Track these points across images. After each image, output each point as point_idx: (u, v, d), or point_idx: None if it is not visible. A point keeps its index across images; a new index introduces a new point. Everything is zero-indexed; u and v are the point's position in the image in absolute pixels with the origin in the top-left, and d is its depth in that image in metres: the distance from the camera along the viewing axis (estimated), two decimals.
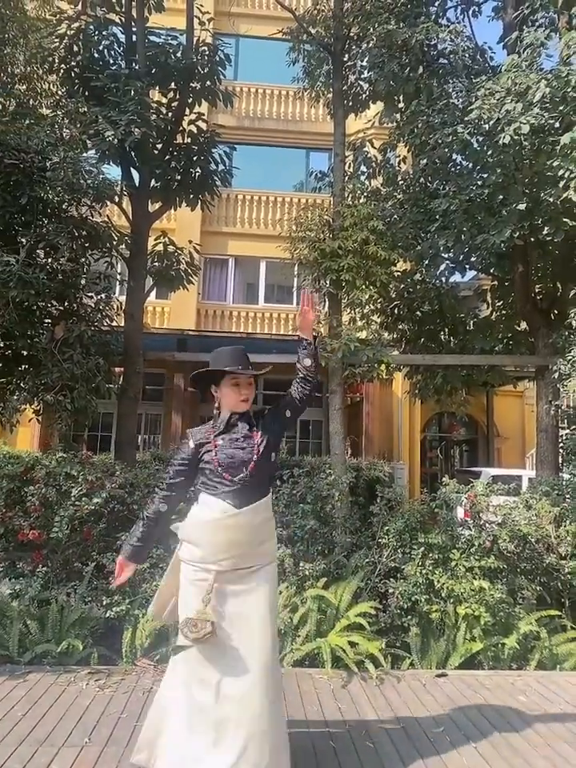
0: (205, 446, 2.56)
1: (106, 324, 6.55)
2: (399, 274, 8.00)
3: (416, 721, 3.31)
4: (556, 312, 7.26)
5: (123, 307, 7.01)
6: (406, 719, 3.33)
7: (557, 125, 5.68)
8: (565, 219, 5.95)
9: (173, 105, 7.41)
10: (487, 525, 4.76)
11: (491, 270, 7.97)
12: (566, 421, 7.22)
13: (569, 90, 5.45)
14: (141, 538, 2.62)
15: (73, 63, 7.07)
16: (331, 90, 7.93)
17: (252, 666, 2.37)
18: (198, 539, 2.50)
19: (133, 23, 7.24)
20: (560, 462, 6.99)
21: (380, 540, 4.69)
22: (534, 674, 4.09)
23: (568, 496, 5.24)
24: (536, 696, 3.72)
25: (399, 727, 3.23)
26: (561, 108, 5.57)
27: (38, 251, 5.69)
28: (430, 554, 4.38)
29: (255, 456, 2.51)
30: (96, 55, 7.20)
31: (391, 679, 3.87)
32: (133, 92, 6.32)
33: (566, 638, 4.32)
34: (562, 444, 7.02)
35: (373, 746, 3.02)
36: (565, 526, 4.72)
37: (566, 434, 7.00)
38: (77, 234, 6.09)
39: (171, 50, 7.21)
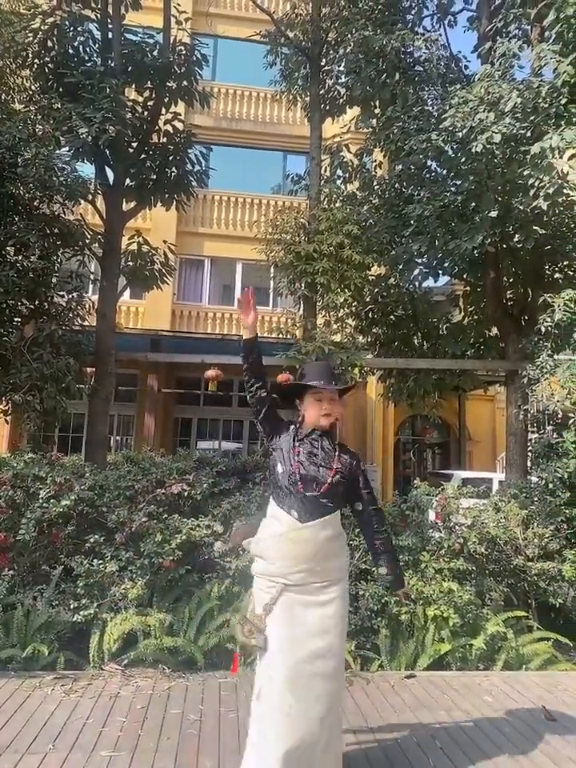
0: (291, 451, 2.53)
1: (77, 323, 6.46)
2: (373, 278, 8.08)
3: (385, 723, 3.33)
4: (526, 318, 7.40)
5: (95, 306, 6.92)
6: (375, 721, 3.34)
7: (528, 134, 5.80)
8: (535, 227, 6.08)
9: (149, 103, 7.35)
10: (457, 527, 4.81)
11: (464, 276, 8.09)
12: (535, 425, 7.36)
13: (539, 100, 5.57)
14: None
15: (47, 58, 6.96)
16: (308, 93, 7.98)
17: (327, 679, 2.37)
18: (265, 552, 2.50)
19: (109, 20, 7.17)
20: (529, 465, 7.12)
21: (351, 542, 4.70)
22: (500, 674, 4.15)
23: (536, 498, 5.34)
24: (502, 696, 3.78)
25: (367, 728, 3.25)
26: (532, 118, 5.69)
27: (8, 248, 5.59)
28: (401, 557, 4.41)
29: (331, 478, 2.48)
30: (71, 51, 7.10)
31: (360, 681, 3.89)
32: (108, 89, 6.25)
33: (532, 638, 4.39)
34: (530, 447, 7.15)
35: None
36: (532, 529, 4.80)
37: (535, 438, 7.13)
38: (48, 232, 6.00)
39: (148, 49, 7.14)
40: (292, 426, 2.61)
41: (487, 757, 3.00)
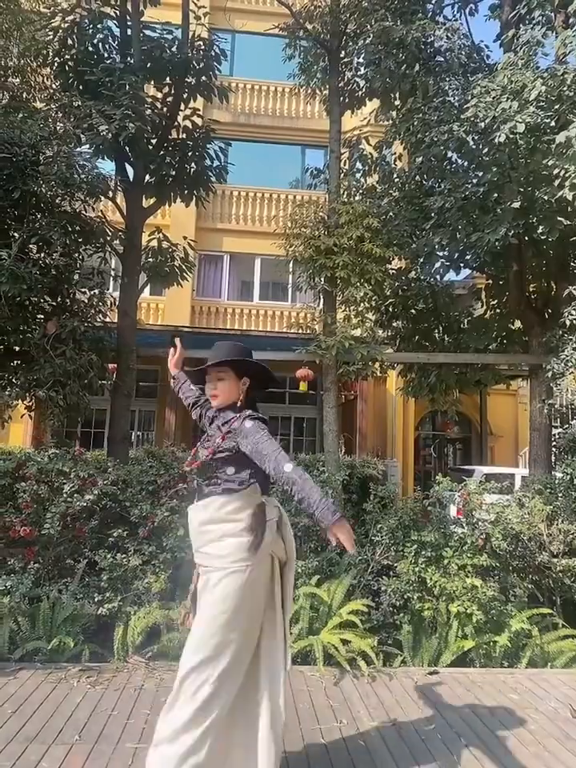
0: (204, 419, 2.75)
1: (99, 320, 6.50)
2: (394, 271, 8.00)
3: (408, 719, 3.32)
4: (550, 311, 7.28)
5: (116, 303, 6.96)
6: (398, 717, 3.33)
7: (552, 123, 5.69)
8: (559, 218, 5.96)
9: (168, 100, 7.35)
10: (480, 523, 4.77)
11: (486, 269, 7.98)
12: (558, 420, 7.25)
13: (564, 88, 5.46)
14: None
15: (67, 57, 6.99)
16: (327, 86, 7.91)
17: (182, 666, 2.38)
18: None
19: (128, 17, 7.18)
20: (553, 460, 7.02)
21: (373, 537, 4.69)
22: (525, 671, 4.10)
23: (560, 494, 5.26)
24: (527, 694, 3.73)
25: (391, 725, 3.23)
26: (556, 106, 5.58)
27: (30, 246, 5.63)
28: (423, 552, 4.38)
29: (206, 454, 2.42)
30: (90, 49, 7.12)
31: (383, 677, 3.87)
32: (127, 86, 6.27)
33: (558, 635, 4.34)
34: (554, 443, 7.05)
35: (364, 744, 3.02)
36: (557, 524, 4.74)
37: (559, 433, 7.03)
38: (70, 229, 6.04)
39: (166, 45, 7.14)
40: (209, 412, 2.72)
41: (512, 755, 2.97)
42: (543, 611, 4.42)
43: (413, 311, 8.21)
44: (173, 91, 7.33)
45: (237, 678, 2.38)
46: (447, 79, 7.11)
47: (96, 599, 4.13)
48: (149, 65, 7.12)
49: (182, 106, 7.37)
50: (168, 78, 7.33)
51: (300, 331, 7.04)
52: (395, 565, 4.44)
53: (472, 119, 5.77)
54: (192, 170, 7.34)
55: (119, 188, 7.10)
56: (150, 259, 7.42)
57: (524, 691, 3.77)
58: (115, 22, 7.31)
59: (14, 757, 2.76)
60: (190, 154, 7.32)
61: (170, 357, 3.01)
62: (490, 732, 3.20)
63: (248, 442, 2.32)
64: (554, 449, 7.08)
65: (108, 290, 6.90)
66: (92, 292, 6.45)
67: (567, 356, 6.07)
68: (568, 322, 6.08)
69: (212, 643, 2.32)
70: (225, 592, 2.33)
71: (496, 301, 8.27)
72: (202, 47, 7.29)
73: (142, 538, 4.42)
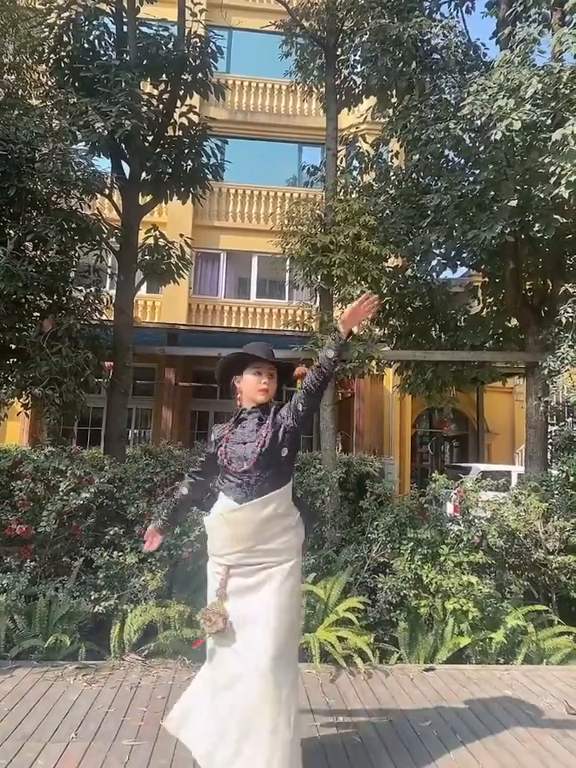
0: (219, 442, 2.59)
1: (95, 318, 6.49)
2: (391, 269, 7.99)
3: (404, 715, 3.33)
4: (546, 309, 7.29)
5: (113, 301, 6.95)
6: (394, 713, 3.34)
7: (548, 121, 5.69)
8: (556, 216, 5.97)
9: (164, 97, 7.34)
10: (476, 520, 4.78)
11: (482, 267, 7.98)
12: (554, 417, 7.27)
13: (560, 86, 5.45)
14: (167, 514, 2.78)
15: (63, 53, 6.98)
16: (324, 84, 7.90)
17: (249, 672, 2.29)
18: (211, 532, 2.56)
19: (124, 13, 7.15)
20: (549, 457, 7.04)
21: (369, 535, 4.70)
22: (520, 668, 4.11)
23: (556, 492, 5.28)
24: (523, 690, 3.75)
25: (387, 721, 3.24)
26: (552, 104, 5.58)
27: (26, 243, 5.62)
28: (419, 550, 4.39)
29: (258, 449, 2.44)
30: (86, 46, 7.11)
31: (379, 674, 3.89)
32: (123, 83, 6.25)
33: (553, 632, 4.35)
34: (550, 440, 7.07)
35: (360, 740, 3.03)
36: (553, 522, 4.75)
37: (555, 430, 7.04)
38: (66, 227, 6.02)
39: (162, 42, 7.13)
40: (212, 442, 2.66)
41: (508, 750, 2.98)
42: (539, 608, 4.43)
43: (409, 309, 8.21)
44: (169, 88, 7.32)
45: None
46: (444, 77, 7.11)
47: (92, 597, 4.13)
48: (145, 62, 7.11)
49: (178, 103, 7.36)
50: (164, 75, 7.32)
51: (297, 329, 7.04)
52: (392, 562, 4.45)
53: (468, 117, 5.76)
54: (188, 167, 7.34)
55: (115, 185, 7.09)
56: (147, 257, 7.41)
57: (520, 688, 3.79)
58: (111, 18, 7.29)
59: (10, 754, 2.76)
60: (186, 151, 7.32)
61: (359, 309, 2.48)
62: (486, 728, 3.21)
63: (285, 411, 2.54)
64: (550, 446, 7.09)
65: (104, 287, 6.90)
66: (88, 290, 6.44)
67: (563, 353, 6.08)
68: (564, 320, 6.09)
69: (294, 634, 2.46)
70: (295, 582, 2.47)
71: (492, 298, 8.28)
72: (198, 44, 7.28)
73: (138, 535, 4.41)
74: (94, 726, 3.07)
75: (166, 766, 2.73)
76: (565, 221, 6.11)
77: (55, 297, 6.10)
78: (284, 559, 2.44)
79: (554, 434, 7.09)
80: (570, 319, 6.00)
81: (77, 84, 6.78)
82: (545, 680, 3.92)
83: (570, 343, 6.19)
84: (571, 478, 5.36)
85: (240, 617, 2.36)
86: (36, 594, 4.11)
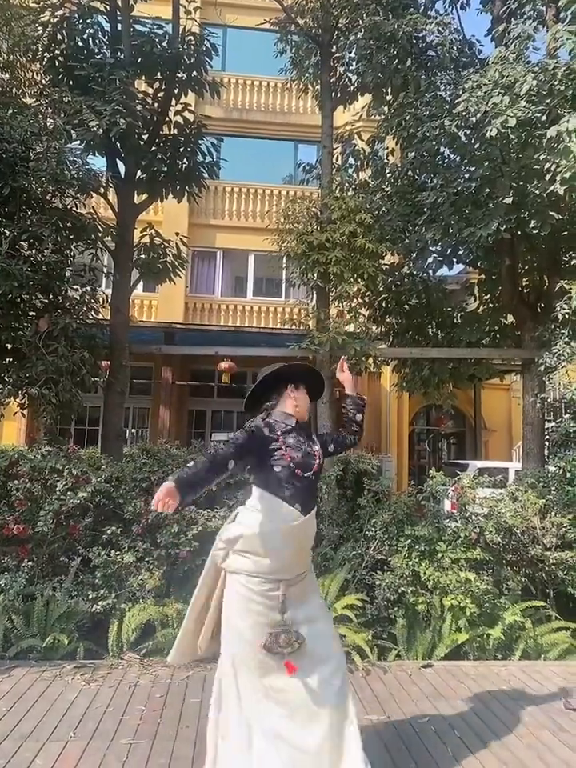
0: (272, 442, 2.40)
1: (91, 317, 6.47)
2: (387, 267, 8.01)
3: (402, 711, 3.34)
4: (542, 305, 7.30)
5: (109, 300, 6.94)
6: (392, 710, 3.35)
7: (544, 118, 5.70)
8: (551, 212, 5.98)
9: (159, 95, 7.31)
10: (473, 517, 4.79)
11: (478, 264, 8.00)
12: (551, 413, 7.28)
13: (555, 82, 5.46)
14: (197, 472, 2.15)
15: (57, 52, 6.95)
16: (319, 81, 7.90)
17: (335, 675, 2.37)
18: (268, 549, 2.33)
19: (118, 12, 7.13)
20: (546, 454, 7.05)
21: (367, 532, 4.70)
22: (518, 664, 4.12)
23: (553, 488, 5.29)
24: (521, 685, 3.76)
25: (385, 718, 3.25)
26: (547, 101, 5.58)
27: (21, 243, 5.61)
28: (417, 546, 4.40)
29: (318, 459, 2.52)
30: (80, 44, 7.08)
31: (377, 670, 3.89)
32: (118, 82, 6.24)
33: (551, 628, 4.36)
34: (547, 436, 7.08)
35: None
36: (550, 518, 4.76)
37: (552, 427, 7.06)
38: (61, 226, 6.01)
39: (157, 40, 7.10)
40: (260, 427, 2.43)
41: (506, 746, 2.99)
42: (536, 604, 4.44)
43: (406, 306, 8.22)
44: (164, 86, 7.29)
45: None
46: (439, 74, 7.12)
47: (90, 596, 4.12)
48: (139, 60, 7.08)
49: (173, 102, 7.34)
50: (159, 74, 7.29)
51: (293, 327, 7.04)
52: (389, 559, 4.45)
53: (463, 114, 5.77)
54: (184, 165, 7.31)
55: (110, 184, 7.06)
56: (143, 256, 7.39)
57: (517, 683, 3.80)
58: (105, 17, 7.26)
59: (8, 754, 2.76)
60: (181, 149, 7.29)
61: (344, 375, 2.92)
62: (484, 724, 3.22)
63: (329, 435, 2.79)
64: (547, 443, 7.11)
65: (100, 286, 6.88)
66: (84, 289, 6.43)
67: (559, 350, 6.10)
68: (560, 317, 6.11)
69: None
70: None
71: (489, 296, 8.29)
72: (193, 42, 7.25)
73: (136, 534, 4.41)
74: (93, 725, 3.07)
75: (164, 764, 2.73)
76: (560, 217, 6.12)
77: (51, 296, 6.09)
78: (311, 566, 2.59)
79: (550, 430, 7.11)
80: (566, 315, 6.01)
81: (71, 82, 6.76)
82: (542, 675, 3.93)
83: (567, 340, 6.21)
84: (568, 474, 5.37)
85: (304, 619, 2.36)
86: (34, 593, 4.10)
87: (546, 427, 7.17)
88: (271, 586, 2.32)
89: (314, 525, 2.52)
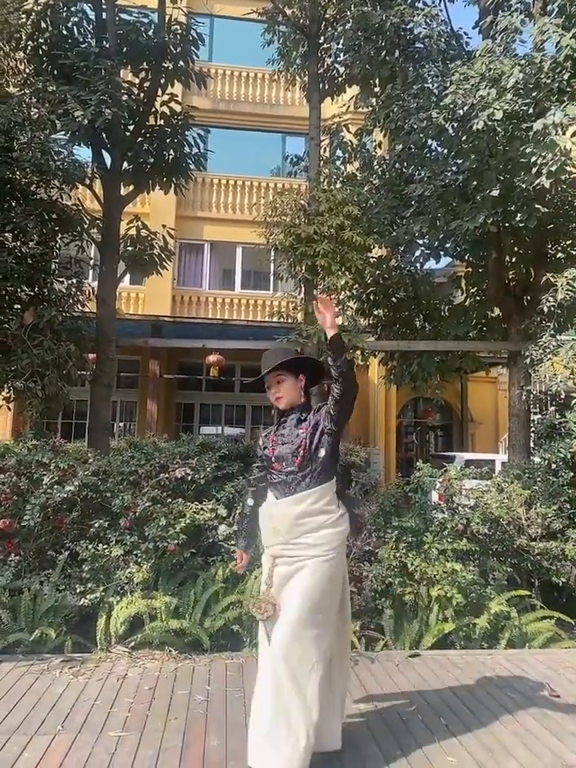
0: (266, 443, 2.78)
1: (77, 309, 6.43)
2: (375, 259, 8.01)
3: (389, 700, 3.37)
4: (528, 298, 7.35)
5: (95, 292, 6.89)
6: (380, 699, 3.38)
7: (530, 111, 5.71)
8: (537, 205, 6.02)
9: (145, 85, 7.25)
10: (460, 508, 4.83)
11: (465, 257, 8.03)
12: (537, 406, 7.35)
13: (542, 76, 5.48)
14: (245, 531, 2.93)
15: (41, 40, 6.85)
16: (307, 72, 7.86)
17: (272, 657, 2.48)
18: (260, 524, 2.75)
19: (102, 0, 7.04)
20: (531, 445, 7.12)
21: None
22: (504, 652, 4.18)
23: (538, 479, 5.34)
24: (506, 674, 3.80)
25: (373, 707, 3.28)
26: (534, 94, 5.60)
27: (5, 234, 5.55)
28: (404, 538, 4.43)
29: (301, 452, 2.60)
30: (65, 32, 6.99)
31: (365, 661, 3.92)
32: (103, 71, 6.17)
33: (536, 617, 4.42)
34: (533, 428, 7.14)
35: (346, 725, 3.05)
36: (535, 508, 4.81)
37: (538, 419, 7.12)
38: (46, 217, 5.95)
39: (143, 29, 7.03)
40: (261, 440, 2.87)
41: (492, 733, 3.03)
42: (521, 593, 4.50)
43: (393, 299, 8.24)
44: (150, 76, 7.22)
45: (326, 664, 2.55)
46: (426, 66, 7.11)
47: (78, 590, 4.10)
48: (125, 49, 7.01)
49: (160, 92, 7.27)
50: (145, 63, 7.22)
51: (281, 320, 7.04)
52: (377, 551, 4.48)
53: (451, 106, 5.77)
54: (171, 157, 7.26)
55: (96, 175, 7.00)
56: (129, 248, 7.34)
57: (503, 671, 3.84)
58: (90, 4, 7.17)
59: None
60: (168, 140, 7.24)
61: (322, 312, 2.57)
62: (470, 712, 3.26)
63: (323, 412, 2.64)
64: (532, 434, 7.17)
65: (86, 279, 6.83)
66: (70, 281, 6.38)
67: (545, 342, 6.15)
68: (546, 309, 6.14)
69: (313, 631, 2.48)
70: (328, 571, 2.54)
71: (475, 288, 8.33)
72: (179, 31, 7.19)
73: (123, 528, 4.40)
74: (81, 718, 3.06)
75: (153, 756, 2.73)
76: (546, 210, 6.16)
77: (36, 288, 6.03)
78: (320, 554, 2.54)
79: (536, 422, 7.17)
80: (552, 308, 6.05)
81: (55, 72, 6.68)
82: (527, 664, 3.99)
83: (552, 332, 6.26)
84: (553, 466, 5.43)
85: (280, 604, 2.54)
86: (21, 587, 4.08)
87: (531, 419, 7.24)
88: (265, 558, 2.68)
89: (290, 509, 2.58)
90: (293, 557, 2.56)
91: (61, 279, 6.37)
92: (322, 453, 2.61)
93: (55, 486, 4.40)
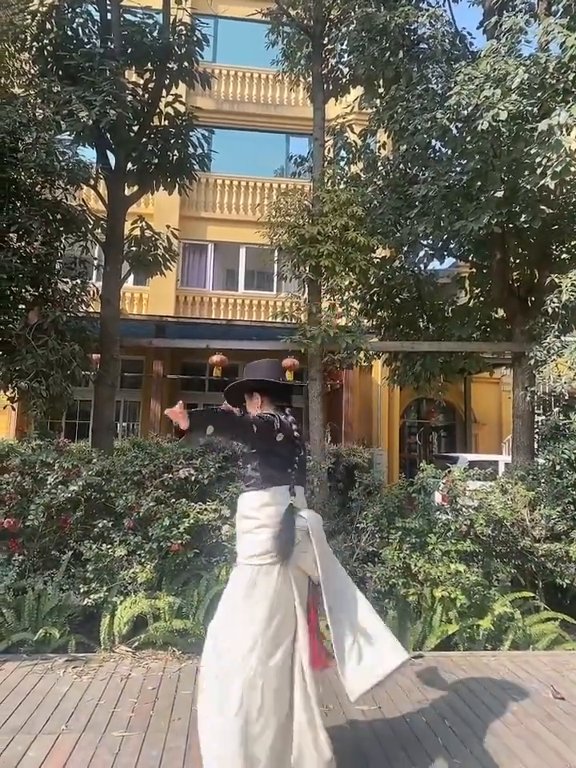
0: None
1: (81, 310, 6.43)
2: (378, 260, 8.00)
3: (392, 702, 3.36)
4: (533, 299, 7.33)
5: (99, 293, 6.89)
6: (384, 700, 3.37)
7: (535, 111, 5.70)
8: (542, 206, 6.00)
9: (149, 86, 7.24)
10: (464, 509, 4.82)
11: (469, 257, 8.00)
12: (541, 407, 7.32)
13: (547, 76, 5.46)
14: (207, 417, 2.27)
15: (46, 41, 6.85)
16: (311, 73, 7.85)
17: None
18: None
19: (107, 1, 7.05)
20: (535, 447, 7.10)
21: (358, 525, 4.73)
22: (507, 654, 4.17)
23: (542, 480, 5.33)
24: (510, 675, 3.80)
25: (376, 708, 3.28)
26: (539, 94, 5.58)
27: (10, 235, 5.55)
28: (408, 539, 4.43)
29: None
30: (70, 33, 6.99)
31: None
32: (108, 72, 6.16)
33: (539, 618, 4.41)
34: (537, 430, 7.12)
35: (349, 726, 3.06)
36: (539, 510, 4.80)
37: (542, 420, 7.10)
38: (51, 218, 5.95)
39: (147, 29, 7.03)
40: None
41: (496, 735, 3.03)
42: (525, 595, 4.49)
43: (397, 300, 8.22)
44: (154, 77, 7.22)
45: (246, 677, 2.29)
46: (431, 66, 7.08)
47: (81, 590, 4.12)
48: (129, 50, 7.01)
49: (164, 93, 7.27)
50: (149, 64, 7.21)
51: (285, 321, 7.03)
52: (380, 551, 4.48)
53: (455, 107, 5.75)
54: (175, 157, 7.26)
55: (100, 176, 7.00)
56: (133, 248, 7.34)
57: (507, 673, 3.84)
58: (95, 5, 7.17)
59: (1, 747, 2.76)
60: (172, 141, 7.23)
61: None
62: (474, 713, 3.26)
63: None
64: (536, 436, 7.15)
65: (90, 279, 6.83)
66: (74, 281, 6.38)
67: (549, 343, 6.13)
68: (550, 310, 6.12)
69: (223, 634, 2.39)
70: (234, 585, 2.45)
71: (479, 289, 8.30)
72: (184, 32, 7.18)
73: (127, 528, 4.41)
74: (85, 718, 3.07)
75: (156, 756, 2.74)
76: (551, 211, 6.14)
77: (41, 289, 6.03)
78: (237, 561, 2.51)
79: (540, 423, 7.14)
80: (556, 309, 6.03)
81: (60, 72, 6.68)
82: (531, 665, 3.98)
83: (556, 333, 6.24)
84: (557, 467, 5.42)
85: None
86: (25, 587, 4.09)
87: (535, 420, 7.22)
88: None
89: (238, 509, 2.61)
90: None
91: (65, 279, 6.38)
92: (242, 464, 2.65)
93: (59, 486, 4.41)
